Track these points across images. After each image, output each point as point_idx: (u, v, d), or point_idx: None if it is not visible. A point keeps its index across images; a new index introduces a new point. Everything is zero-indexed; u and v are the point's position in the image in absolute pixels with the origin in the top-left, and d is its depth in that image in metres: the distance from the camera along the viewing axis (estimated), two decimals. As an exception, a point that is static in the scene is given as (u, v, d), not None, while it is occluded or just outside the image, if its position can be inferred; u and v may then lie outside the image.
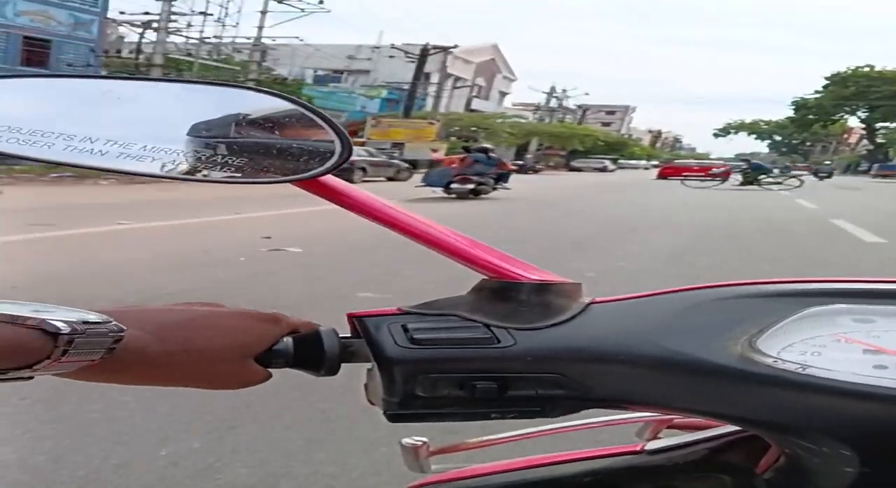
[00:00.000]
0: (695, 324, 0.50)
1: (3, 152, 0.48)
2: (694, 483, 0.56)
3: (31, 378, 0.41)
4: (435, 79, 44.94)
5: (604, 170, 51.69)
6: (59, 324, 0.40)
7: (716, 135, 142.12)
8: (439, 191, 15.47)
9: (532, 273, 0.55)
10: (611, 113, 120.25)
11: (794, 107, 76.22)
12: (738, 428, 0.56)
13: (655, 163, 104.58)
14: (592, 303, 0.53)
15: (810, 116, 76.83)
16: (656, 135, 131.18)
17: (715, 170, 29.45)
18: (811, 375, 0.45)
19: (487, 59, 56.43)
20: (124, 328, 0.44)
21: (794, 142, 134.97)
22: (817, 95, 75.13)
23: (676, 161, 53.91)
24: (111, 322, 0.43)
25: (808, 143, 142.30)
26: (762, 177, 24.84)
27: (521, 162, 43.01)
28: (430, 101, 46.35)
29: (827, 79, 75.30)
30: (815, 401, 0.46)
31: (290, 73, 40.28)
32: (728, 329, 0.49)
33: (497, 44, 59.34)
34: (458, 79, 49.48)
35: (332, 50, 42.72)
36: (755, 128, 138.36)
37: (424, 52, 37.70)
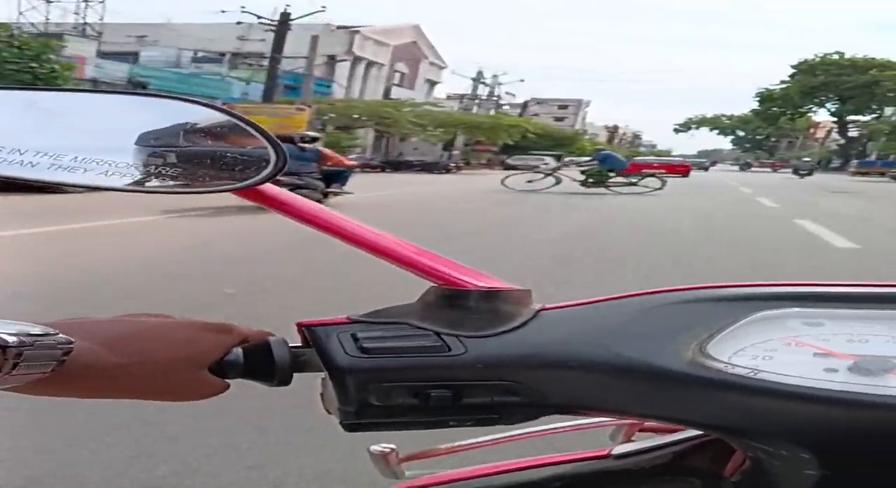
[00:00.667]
0: (645, 329, 0.55)
1: None
2: (663, 486, 0.63)
3: None
4: (350, 64, 42.45)
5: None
6: (6, 337, 0.43)
7: (676, 131, 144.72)
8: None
9: (480, 280, 0.59)
10: (563, 107, 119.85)
11: (758, 98, 78.01)
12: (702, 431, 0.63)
13: None
14: (542, 309, 0.58)
15: (776, 109, 78.42)
16: (613, 131, 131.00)
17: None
18: (763, 379, 0.50)
19: (408, 42, 53.12)
20: (72, 340, 0.48)
21: (758, 137, 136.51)
22: (784, 86, 75.61)
23: (637, 158, 60.04)
24: (58, 334, 0.47)
25: (772, 139, 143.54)
26: (611, 175, 20.28)
27: (432, 160, 43.05)
28: (339, 89, 43.12)
29: (794, 67, 74.77)
30: (769, 405, 0.51)
31: (163, 54, 39.21)
32: (679, 333, 0.54)
33: (419, 25, 56.01)
34: (371, 63, 46.23)
35: (220, 30, 40.21)
36: (717, 123, 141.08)
37: (285, 19, 32.97)
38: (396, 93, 49.86)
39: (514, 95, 68.59)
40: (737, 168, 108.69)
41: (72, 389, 0.51)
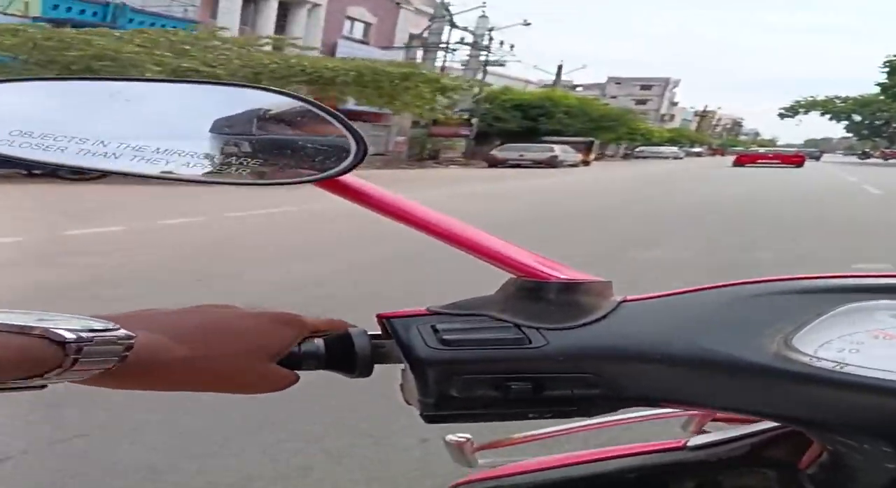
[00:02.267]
0: (729, 322, 0.59)
1: (15, 156, 0.58)
2: (737, 478, 0.68)
3: (44, 386, 0.49)
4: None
5: (547, 161, 35.64)
6: (65, 333, 0.47)
7: (781, 116, 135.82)
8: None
9: (561, 271, 0.64)
10: (646, 87, 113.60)
11: (887, 68, 65.34)
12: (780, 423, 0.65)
13: (697, 150, 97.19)
14: (624, 301, 0.63)
15: None
16: (703, 115, 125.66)
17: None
18: (849, 373, 0.54)
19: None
20: (133, 334, 0.52)
21: (877, 122, 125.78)
22: None
23: (752, 148, 69.27)
24: (119, 328, 0.51)
25: (894, 125, 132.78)
26: None
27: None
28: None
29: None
30: (854, 399, 0.54)
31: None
32: (764, 326, 0.58)
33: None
34: (314, 6, 32.62)
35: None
36: (829, 107, 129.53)
37: None
38: (348, 50, 32.49)
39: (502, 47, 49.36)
40: (852, 158, 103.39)
41: (137, 382, 0.55)
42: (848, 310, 0.59)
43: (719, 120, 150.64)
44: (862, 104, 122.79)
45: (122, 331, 0.51)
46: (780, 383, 0.56)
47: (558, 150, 38.04)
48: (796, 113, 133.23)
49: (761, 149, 63.75)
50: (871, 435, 0.55)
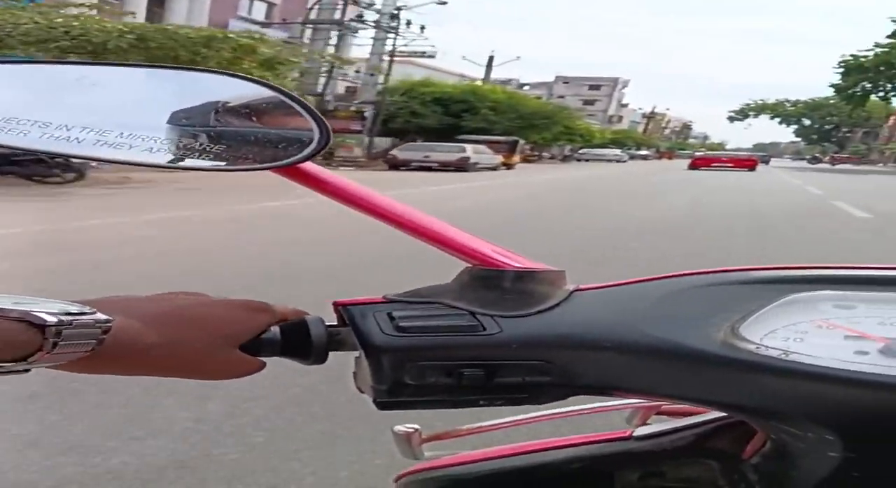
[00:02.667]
0: (678, 311, 0.62)
1: None
2: (682, 468, 0.71)
3: (27, 371, 0.50)
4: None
5: (457, 163, 30.92)
6: (45, 316, 0.49)
7: (731, 119, 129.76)
8: None
9: (515, 260, 0.67)
10: (595, 87, 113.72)
11: (842, 69, 62.33)
12: (725, 413, 0.68)
13: (644, 153, 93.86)
14: (577, 290, 0.65)
15: (866, 84, 62.87)
16: (650, 117, 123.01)
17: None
18: (794, 361, 0.57)
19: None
20: (111, 318, 0.53)
21: (826, 127, 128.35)
22: (881, 51, 60.02)
23: (699, 152, 70.66)
24: (96, 312, 0.53)
25: (843, 130, 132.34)
26: None
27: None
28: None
29: (896, 21, 60.13)
30: (799, 387, 0.57)
31: None
32: (711, 315, 0.61)
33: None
34: None
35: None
36: (778, 110, 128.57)
37: None
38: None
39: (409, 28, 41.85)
40: (801, 162, 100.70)
41: (111, 367, 0.57)
42: (793, 300, 0.62)
43: (668, 122, 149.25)
44: (812, 108, 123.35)
45: (100, 315, 0.53)
46: (728, 371, 0.59)
47: (470, 151, 32.41)
48: (746, 116, 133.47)
49: (712, 153, 66.37)
50: (814, 423, 0.58)
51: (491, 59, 60.18)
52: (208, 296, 0.64)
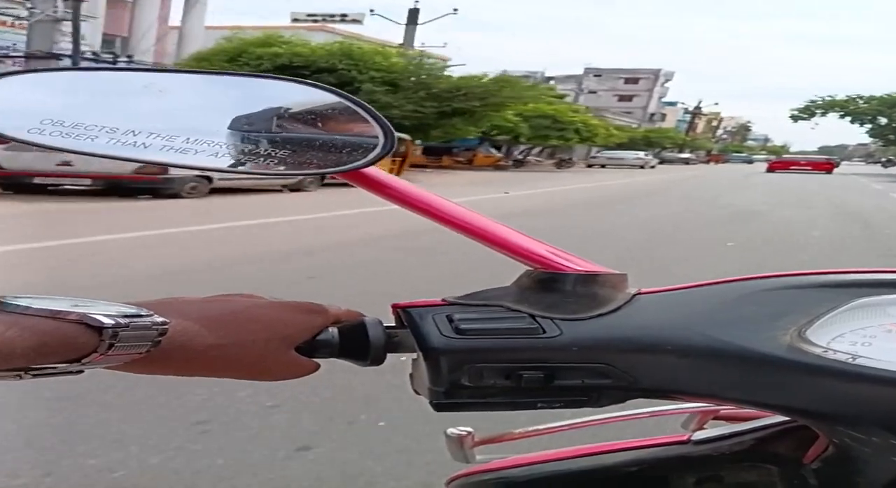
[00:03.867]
0: (743, 315, 0.65)
1: (47, 145, 0.64)
2: (741, 473, 0.74)
3: (80, 371, 0.54)
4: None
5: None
6: (102, 318, 0.53)
7: (795, 119, 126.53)
8: None
9: (577, 263, 0.70)
10: (632, 81, 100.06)
11: None
12: (784, 418, 0.71)
13: (685, 156, 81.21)
14: (639, 293, 0.69)
15: None
16: (694, 114, 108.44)
17: None
18: (861, 365, 0.59)
19: None
20: (168, 321, 0.57)
21: None
22: None
23: (785, 156, 70.58)
24: (153, 315, 0.56)
25: None
26: None
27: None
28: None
29: None
30: (866, 391, 0.60)
31: None
32: (777, 319, 0.64)
33: None
34: None
35: None
36: (849, 108, 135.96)
37: None
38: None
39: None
40: (875, 167, 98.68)
41: (166, 368, 0.61)
42: (860, 304, 0.65)
43: (719, 121, 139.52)
44: (889, 104, 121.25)
45: (157, 317, 0.57)
46: (793, 374, 0.61)
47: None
48: (812, 114, 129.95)
49: (789, 156, 70.92)
50: (879, 428, 0.60)
51: (413, 13, 39.78)
52: (263, 297, 0.68)
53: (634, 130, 75.35)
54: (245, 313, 0.65)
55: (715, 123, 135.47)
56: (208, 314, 0.63)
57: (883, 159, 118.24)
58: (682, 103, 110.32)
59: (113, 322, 0.53)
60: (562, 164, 52.97)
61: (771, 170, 57.96)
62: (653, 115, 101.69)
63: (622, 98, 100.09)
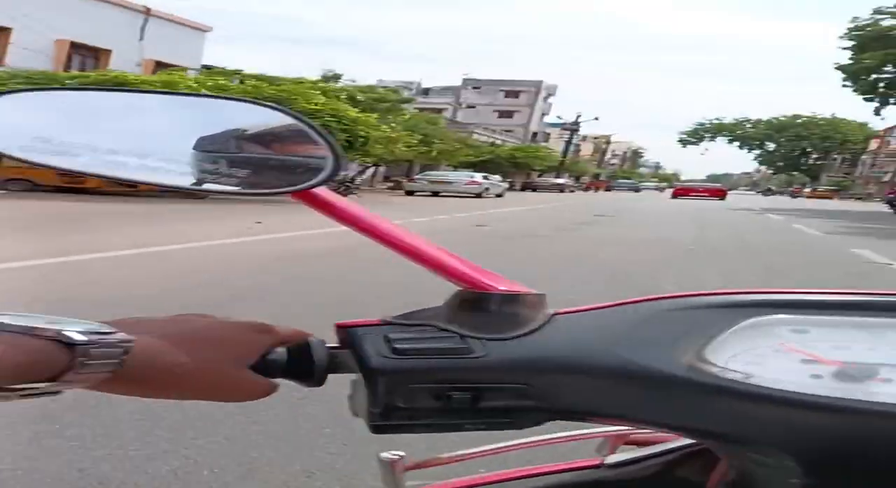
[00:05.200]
0: (649, 335, 0.72)
1: (36, 162, 0.72)
2: None
3: (59, 392, 0.58)
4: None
5: None
6: (75, 335, 0.56)
7: (683, 143, 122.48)
8: None
9: (501, 284, 0.76)
10: (512, 94, 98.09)
11: (851, 43, 53.40)
12: (690, 441, 0.79)
13: (560, 182, 67.49)
14: (556, 314, 0.75)
15: None
16: (571, 129, 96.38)
17: None
18: (754, 384, 0.66)
19: None
20: (132, 338, 0.61)
21: (795, 152, 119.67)
22: None
23: (680, 183, 72.88)
24: (118, 332, 0.60)
25: (815, 156, 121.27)
26: None
27: None
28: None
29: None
30: (758, 411, 0.67)
31: None
32: (678, 339, 0.71)
33: None
34: None
35: None
36: (737, 132, 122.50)
37: None
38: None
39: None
40: (754, 196, 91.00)
41: (133, 388, 0.65)
42: (750, 324, 0.72)
43: (607, 144, 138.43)
44: (777, 128, 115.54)
45: (122, 334, 0.61)
46: (693, 394, 0.68)
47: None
48: (700, 139, 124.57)
49: (689, 184, 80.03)
50: (774, 448, 0.68)
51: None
52: (213, 316, 0.73)
53: (497, 148, 68.93)
54: (202, 332, 0.70)
55: (604, 146, 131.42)
56: (169, 333, 0.68)
57: (764, 189, 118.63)
58: (560, 117, 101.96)
59: (86, 338, 0.57)
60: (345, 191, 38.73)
61: (675, 196, 67.76)
62: (535, 134, 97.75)
63: (502, 114, 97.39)
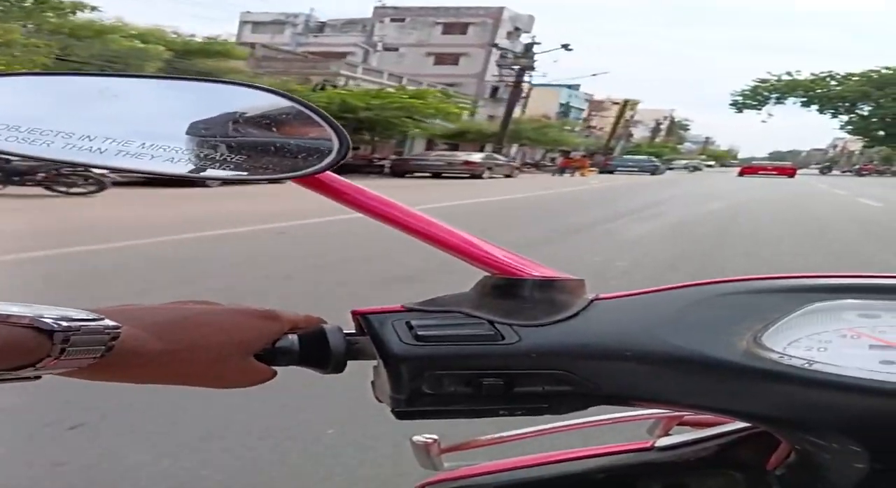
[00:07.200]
0: (700, 320, 0.75)
1: (2, 150, 0.74)
2: (705, 479, 0.86)
3: (38, 378, 0.63)
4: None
5: None
6: (52, 322, 0.60)
7: (738, 107, 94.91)
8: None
9: (535, 269, 0.80)
10: (454, 28, 72.96)
11: None
12: (748, 424, 0.81)
13: (502, 160, 45.96)
14: (596, 299, 0.79)
15: None
16: (623, 104, 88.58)
17: None
18: (817, 370, 0.69)
19: None
20: (119, 325, 0.65)
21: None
22: None
23: (753, 162, 74.08)
24: (104, 319, 0.64)
25: None
26: None
27: None
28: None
29: None
30: (822, 397, 0.70)
31: None
32: (733, 324, 0.74)
33: None
34: None
35: None
36: (817, 89, 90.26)
37: None
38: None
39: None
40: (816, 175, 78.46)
41: (120, 375, 0.70)
42: (815, 309, 0.75)
43: (632, 114, 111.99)
44: (878, 84, 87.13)
45: (109, 322, 0.65)
46: (750, 380, 0.71)
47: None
48: (763, 101, 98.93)
49: (756, 163, 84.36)
50: (839, 434, 0.71)
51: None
52: (219, 304, 0.77)
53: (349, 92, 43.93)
54: (195, 318, 0.75)
55: (629, 115, 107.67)
56: (160, 320, 0.73)
57: (822, 167, 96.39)
58: (612, 100, 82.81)
59: (63, 325, 0.62)
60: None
61: (742, 174, 74.92)
62: (496, 89, 71.68)
63: (441, 59, 73.92)
